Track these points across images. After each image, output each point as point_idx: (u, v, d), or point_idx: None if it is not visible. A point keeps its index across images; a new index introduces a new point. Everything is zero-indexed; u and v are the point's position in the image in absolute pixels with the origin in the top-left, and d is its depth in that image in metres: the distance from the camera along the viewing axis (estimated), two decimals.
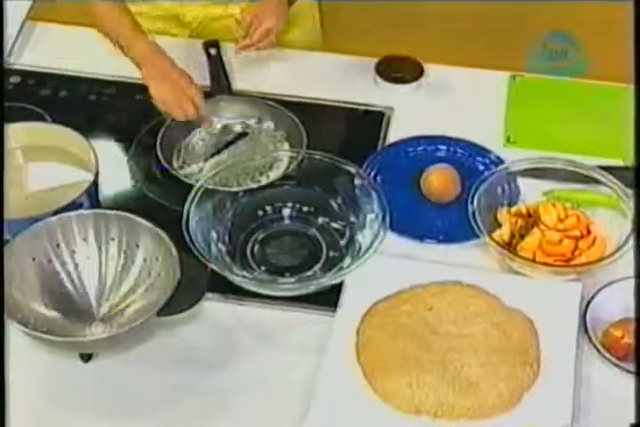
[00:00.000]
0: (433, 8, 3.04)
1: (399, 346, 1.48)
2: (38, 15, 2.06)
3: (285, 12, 1.89)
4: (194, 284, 1.45)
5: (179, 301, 1.43)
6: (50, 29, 2.05)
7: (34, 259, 1.51)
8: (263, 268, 1.63)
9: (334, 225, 1.68)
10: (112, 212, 1.52)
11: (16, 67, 1.96)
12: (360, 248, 1.59)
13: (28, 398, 1.49)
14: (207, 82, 1.90)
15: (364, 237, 1.61)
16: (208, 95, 1.86)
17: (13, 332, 1.42)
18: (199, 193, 1.59)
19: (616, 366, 1.47)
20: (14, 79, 1.94)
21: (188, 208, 1.56)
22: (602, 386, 1.48)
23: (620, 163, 1.77)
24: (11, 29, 1.95)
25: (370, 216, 1.60)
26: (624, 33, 1.66)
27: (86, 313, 1.54)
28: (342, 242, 1.66)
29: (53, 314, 1.51)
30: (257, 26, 1.83)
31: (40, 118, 1.83)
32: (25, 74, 1.95)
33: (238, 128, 1.86)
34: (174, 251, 1.47)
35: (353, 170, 1.64)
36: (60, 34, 2.04)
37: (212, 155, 1.80)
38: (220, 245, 1.62)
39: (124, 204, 1.71)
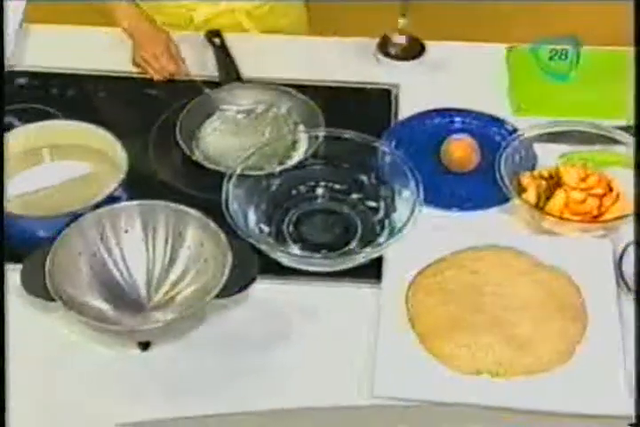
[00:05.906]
0: None
1: (450, 310, 1.53)
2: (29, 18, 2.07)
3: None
4: (244, 265, 1.48)
5: (231, 283, 1.46)
6: (46, 30, 2.05)
7: (80, 253, 1.52)
8: (300, 245, 1.66)
9: (368, 202, 1.71)
10: (158, 202, 1.53)
11: (19, 69, 1.96)
12: (395, 224, 1.63)
13: (84, 389, 1.51)
14: (215, 72, 1.93)
15: (398, 213, 1.64)
16: (217, 84, 1.89)
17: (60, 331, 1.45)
18: (233, 177, 1.62)
19: None
20: (20, 81, 1.94)
21: (225, 192, 1.59)
22: None
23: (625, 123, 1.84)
24: (9, 32, 1.95)
25: (404, 191, 1.63)
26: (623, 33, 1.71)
27: (137, 302, 1.56)
28: (377, 218, 1.69)
29: (105, 306, 1.53)
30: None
31: (54, 117, 1.83)
32: (30, 75, 1.95)
33: (251, 113, 1.88)
34: (222, 236, 1.49)
35: (383, 147, 1.68)
36: (58, 34, 2.04)
37: (229, 142, 1.83)
38: (261, 225, 1.65)
39: (151, 194, 1.71)
